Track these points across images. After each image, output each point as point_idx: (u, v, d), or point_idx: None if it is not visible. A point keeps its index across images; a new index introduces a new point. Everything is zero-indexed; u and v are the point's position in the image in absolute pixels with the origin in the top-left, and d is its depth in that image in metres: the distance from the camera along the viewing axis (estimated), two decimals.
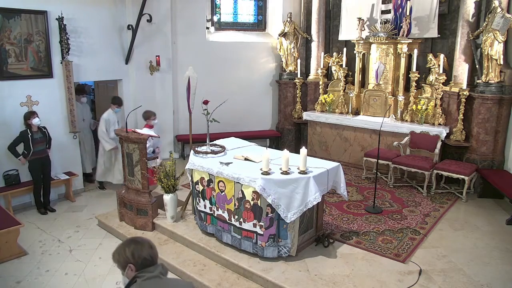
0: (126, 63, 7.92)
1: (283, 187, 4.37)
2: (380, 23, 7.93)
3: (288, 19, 9.06)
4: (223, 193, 4.76)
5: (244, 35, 9.63)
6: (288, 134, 9.62)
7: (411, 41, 7.49)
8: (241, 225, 4.66)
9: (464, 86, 6.84)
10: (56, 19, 6.54)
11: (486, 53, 6.51)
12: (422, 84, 7.66)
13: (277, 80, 9.72)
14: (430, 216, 5.91)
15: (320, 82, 8.83)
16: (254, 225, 4.55)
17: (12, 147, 6.10)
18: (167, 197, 5.46)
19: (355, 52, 8.31)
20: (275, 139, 9.73)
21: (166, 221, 5.55)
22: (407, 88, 7.81)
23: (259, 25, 9.86)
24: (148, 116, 6.91)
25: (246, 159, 4.96)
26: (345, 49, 8.45)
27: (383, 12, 8.09)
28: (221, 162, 4.86)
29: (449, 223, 5.74)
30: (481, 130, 6.76)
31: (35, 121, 6.14)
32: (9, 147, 6.10)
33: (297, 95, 9.27)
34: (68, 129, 7.00)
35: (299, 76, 9.08)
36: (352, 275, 4.39)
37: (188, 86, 6.18)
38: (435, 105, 7.36)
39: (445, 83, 7.29)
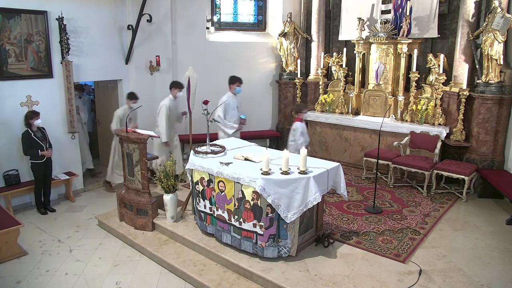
0: (126, 63, 7.92)
1: (283, 187, 4.37)
2: (380, 23, 7.93)
3: (288, 19, 9.06)
4: (223, 193, 4.76)
5: (244, 35, 9.63)
6: (288, 134, 9.57)
7: (411, 41, 7.49)
8: (241, 225, 4.66)
9: (464, 86, 6.84)
10: (56, 19, 6.54)
11: (486, 53, 6.51)
12: (422, 84, 7.66)
13: (277, 80, 9.73)
14: (430, 216, 5.91)
15: (320, 82, 8.83)
16: (254, 225, 4.56)
17: (27, 150, 6.15)
18: (167, 197, 5.46)
19: (355, 52, 8.31)
20: (275, 139, 9.73)
21: (166, 221, 5.55)
22: (407, 88, 7.81)
23: (259, 25, 9.86)
24: (301, 109, 6.52)
25: (246, 159, 4.96)
26: (345, 49, 8.45)
27: (383, 12, 8.09)
28: (221, 162, 4.86)
29: (449, 223, 5.74)
30: (481, 130, 6.76)
31: (37, 122, 6.15)
32: (25, 152, 6.17)
33: (297, 95, 9.27)
34: (68, 129, 7.01)
35: (299, 76, 9.08)
36: (352, 275, 4.39)
37: (188, 86, 6.19)
38: (435, 105, 7.36)
39: (445, 83, 7.30)
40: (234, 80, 6.84)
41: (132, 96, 7.18)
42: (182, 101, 7.03)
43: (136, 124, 7.38)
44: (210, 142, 5.45)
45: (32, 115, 6.13)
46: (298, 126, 6.30)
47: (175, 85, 7.18)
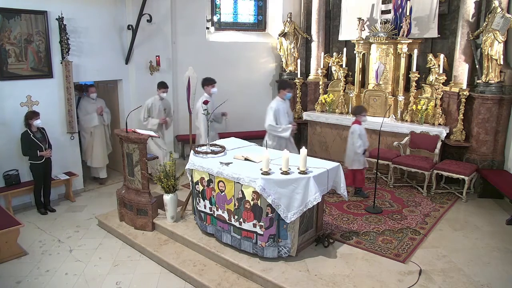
0: (126, 63, 7.92)
1: (283, 187, 4.37)
2: (380, 23, 7.93)
3: (288, 19, 9.06)
4: (223, 193, 4.76)
5: (244, 35, 9.63)
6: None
7: (411, 41, 7.49)
8: (241, 225, 4.66)
9: (464, 86, 6.84)
10: (56, 19, 6.54)
11: (486, 53, 6.51)
12: (422, 84, 7.66)
13: (277, 80, 9.71)
14: (430, 216, 5.91)
15: (320, 82, 8.83)
16: (254, 225, 4.56)
17: (26, 151, 6.15)
18: (167, 197, 5.46)
19: (355, 52, 8.31)
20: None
21: (166, 221, 5.55)
22: (407, 88, 7.81)
23: (259, 25, 9.86)
24: (360, 111, 6.39)
25: (246, 159, 4.96)
26: (345, 49, 8.45)
27: (383, 12, 8.09)
28: (221, 162, 4.86)
29: (449, 223, 5.74)
30: (481, 130, 6.76)
31: (37, 122, 6.15)
32: (24, 153, 6.17)
33: (297, 95, 9.27)
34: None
35: (299, 76, 9.07)
36: (352, 275, 4.39)
37: (188, 86, 6.19)
38: (435, 105, 7.36)
39: (445, 83, 7.29)
40: (285, 86, 6.45)
41: (162, 85, 7.14)
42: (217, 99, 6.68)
43: (165, 119, 7.33)
44: (210, 142, 5.46)
45: (32, 115, 6.12)
46: (356, 129, 6.22)
47: (208, 82, 6.74)
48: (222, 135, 6.77)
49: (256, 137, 8.99)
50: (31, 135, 6.12)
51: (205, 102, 5.58)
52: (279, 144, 6.22)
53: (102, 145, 7.63)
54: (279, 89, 6.44)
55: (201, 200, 5.09)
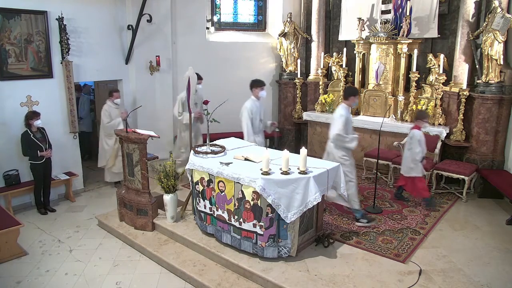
0: (126, 63, 7.92)
1: (283, 187, 4.37)
2: (380, 23, 7.93)
3: (288, 19, 9.06)
4: (223, 193, 4.75)
5: (244, 35, 9.63)
6: (288, 134, 9.62)
7: (411, 41, 7.48)
8: (241, 225, 4.66)
9: (464, 86, 6.84)
10: (56, 19, 6.54)
11: (486, 53, 6.51)
12: (422, 84, 7.66)
13: (277, 80, 9.73)
14: (430, 216, 5.91)
15: (320, 82, 8.83)
16: (254, 225, 4.55)
17: (26, 151, 6.15)
18: (167, 197, 5.46)
19: (355, 52, 8.31)
20: (275, 139, 9.72)
21: (166, 221, 5.55)
22: (407, 88, 7.81)
23: (259, 25, 9.86)
24: (423, 116, 6.09)
25: (246, 159, 4.96)
26: (345, 49, 8.45)
27: (383, 12, 8.09)
28: (221, 162, 4.86)
29: (449, 223, 5.74)
30: (481, 130, 6.76)
31: (37, 122, 6.15)
32: (24, 153, 6.17)
33: (297, 95, 9.27)
34: (68, 129, 7.00)
35: (299, 76, 9.07)
36: (352, 275, 4.39)
37: (188, 86, 6.18)
38: (435, 105, 7.36)
39: (445, 83, 7.29)
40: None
41: (197, 77, 6.74)
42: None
43: (201, 112, 6.94)
44: (210, 142, 5.46)
45: (32, 115, 6.12)
46: (415, 134, 5.94)
47: (256, 84, 6.30)
48: (222, 135, 6.76)
49: None
50: (31, 135, 6.12)
51: (205, 102, 5.58)
52: (347, 154, 5.59)
53: None
54: (348, 96, 5.67)
55: (201, 200, 5.09)
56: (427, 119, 6.20)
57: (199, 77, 6.89)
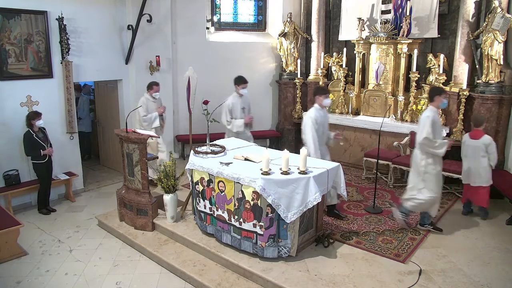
0: (126, 63, 7.92)
1: (283, 187, 4.37)
2: (380, 23, 7.93)
3: (288, 19, 9.06)
4: (223, 193, 4.76)
5: (244, 35, 9.63)
6: (288, 134, 9.62)
7: (411, 41, 7.48)
8: (241, 225, 4.66)
9: (464, 86, 6.84)
10: (56, 19, 6.54)
11: (486, 53, 6.51)
12: (422, 84, 7.66)
13: (277, 80, 9.73)
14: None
15: (320, 82, 8.83)
16: (254, 225, 4.55)
17: (29, 151, 6.15)
18: (167, 197, 5.46)
19: (355, 52, 8.31)
20: (275, 139, 9.73)
21: (166, 221, 5.55)
22: (407, 88, 7.81)
23: (259, 25, 9.86)
24: (483, 121, 5.84)
25: (246, 159, 4.96)
26: (345, 49, 8.45)
27: (383, 12, 8.09)
28: (221, 162, 4.86)
29: (449, 223, 5.73)
30: None
31: (39, 122, 6.15)
32: (27, 153, 6.17)
33: (297, 95, 9.27)
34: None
35: (299, 76, 9.07)
36: (352, 275, 4.39)
37: (188, 86, 6.19)
38: None
39: (445, 83, 7.29)
40: (441, 92, 5.30)
41: (241, 80, 6.41)
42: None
43: (251, 117, 6.63)
44: (210, 142, 5.46)
45: (34, 115, 6.12)
46: (488, 138, 5.72)
47: (320, 92, 5.61)
48: (222, 136, 6.76)
49: (256, 137, 8.99)
50: (34, 135, 6.12)
51: (205, 102, 5.58)
52: (434, 162, 5.17)
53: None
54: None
55: (201, 200, 5.09)
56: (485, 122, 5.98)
57: (244, 81, 6.47)
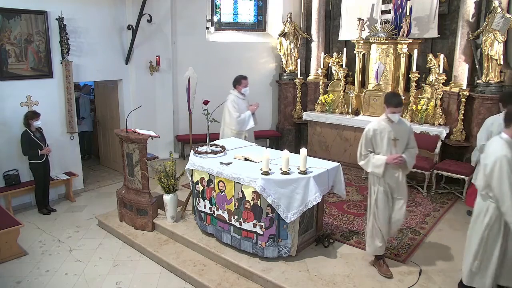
0: (126, 63, 7.92)
1: (283, 187, 4.37)
2: (380, 23, 7.93)
3: (288, 19, 9.05)
4: (223, 193, 4.76)
5: (244, 35, 9.63)
6: (288, 134, 9.62)
7: (411, 41, 7.48)
8: (241, 225, 4.66)
9: (464, 86, 6.84)
10: (56, 19, 6.54)
11: (486, 53, 6.51)
12: (422, 84, 7.65)
13: (277, 80, 9.73)
14: (430, 216, 5.91)
15: (320, 82, 8.83)
16: (254, 225, 4.56)
17: (26, 151, 6.15)
18: (167, 197, 5.46)
19: (355, 52, 8.30)
20: (275, 139, 9.73)
21: (166, 221, 5.55)
22: (407, 88, 7.80)
23: (259, 25, 9.86)
24: None
25: (246, 159, 4.96)
26: (345, 49, 8.44)
27: (383, 12, 8.08)
28: (221, 162, 4.86)
29: (449, 223, 5.73)
30: None
31: (36, 123, 6.16)
32: (24, 153, 6.16)
33: (297, 95, 9.27)
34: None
35: (299, 76, 9.07)
36: (352, 275, 4.39)
37: (188, 86, 6.18)
38: (435, 105, 7.35)
39: (445, 83, 7.29)
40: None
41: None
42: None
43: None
44: (210, 142, 5.46)
45: (32, 115, 6.13)
46: None
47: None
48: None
49: (256, 137, 8.99)
50: (31, 135, 6.12)
51: (205, 102, 5.57)
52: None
53: None
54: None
55: (201, 200, 5.09)
56: None
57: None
